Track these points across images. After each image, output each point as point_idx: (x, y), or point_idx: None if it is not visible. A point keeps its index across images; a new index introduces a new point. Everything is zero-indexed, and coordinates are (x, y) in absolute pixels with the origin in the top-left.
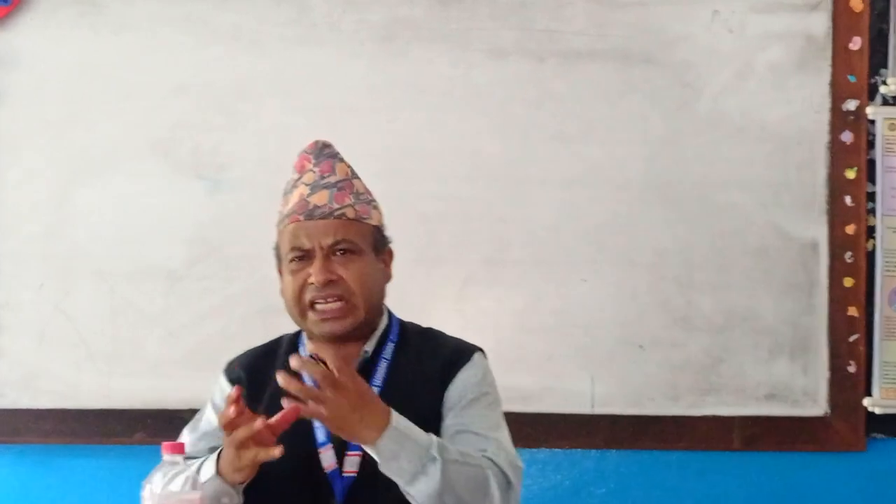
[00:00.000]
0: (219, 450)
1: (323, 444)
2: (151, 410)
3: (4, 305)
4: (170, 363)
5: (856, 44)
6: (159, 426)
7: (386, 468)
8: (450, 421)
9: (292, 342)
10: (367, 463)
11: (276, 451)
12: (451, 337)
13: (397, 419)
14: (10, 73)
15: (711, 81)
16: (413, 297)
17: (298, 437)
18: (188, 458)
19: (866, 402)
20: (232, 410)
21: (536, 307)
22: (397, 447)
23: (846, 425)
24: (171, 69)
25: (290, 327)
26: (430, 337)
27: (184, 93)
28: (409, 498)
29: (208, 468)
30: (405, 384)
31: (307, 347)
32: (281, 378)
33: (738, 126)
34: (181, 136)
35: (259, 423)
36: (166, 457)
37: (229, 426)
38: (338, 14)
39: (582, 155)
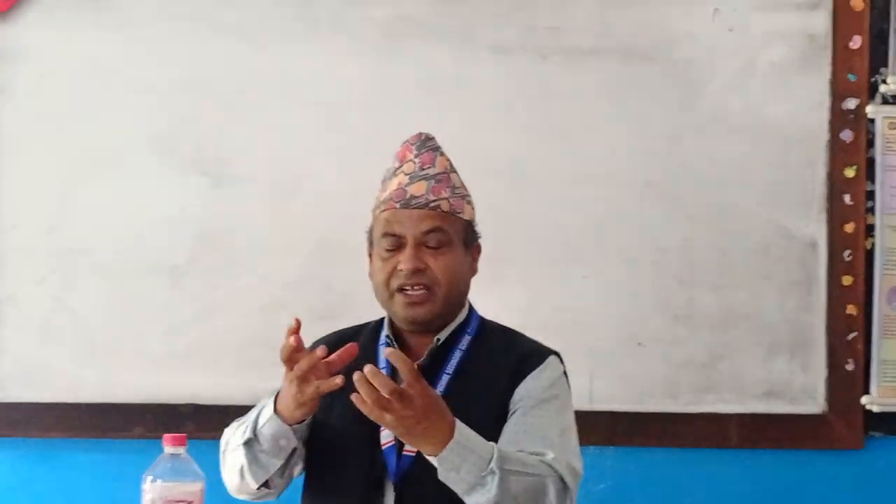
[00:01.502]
0: (276, 392)
1: None
2: (152, 405)
3: (6, 300)
4: (171, 358)
5: (856, 42)
6: (159, 420)
7: (445, 477)
8: (515, 420)
9: (375, 328)
10: None
11: (338, 380)
12: (530, 338)
13: (461, 432)
14: (14, 68)
15: (712, 79)
16: None
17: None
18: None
19: (864, 400)
20: (293, 339)
21: (537, 304)
22: (459, 460)
23: (844, 423)
24: (173, 65)
25: (291, 322)
26: (509, 335)
27: (187, 88)
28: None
29: (267, 411)
30: (475, 377)
31: (385, 333)
32: (356, 377)
33: (738, 124)
34: (184, 131)
35: (321, 350)
36: (168, 449)
37: (290, 360)
38: (341, 10)
39: (584, 152)
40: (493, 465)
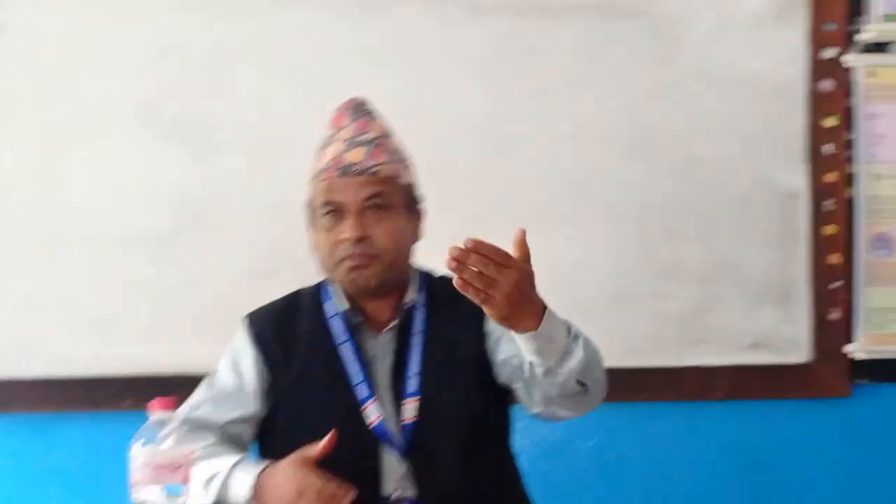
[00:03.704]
0: (262, 468)
1: (366, 399)
2: (141, 377)
3: None
4: (160, 328)
5: None
6: (149, 392)
7: (540, 350)
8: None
9: (313, 294)
10: (426, 405)
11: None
12: None
13: (543, 299)
14: None
15: (691, 33)
16: None
17: (341, 393)
18: (204, 423)
19: (849, 348)
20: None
21: None
22: (553, 329)
23: (830, 372)
24: (153, 34)
25: (282, 291)
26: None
27: (167, 58)
28: (548, 382)
29: (240, 490)
30: (444, 328)
31: (336, 300)
32: (458, 254)
33: (719, 77)
34: (166, 101)
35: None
36: (156, 414)
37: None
38: None
39: (565, 110)
40: (573, 328)
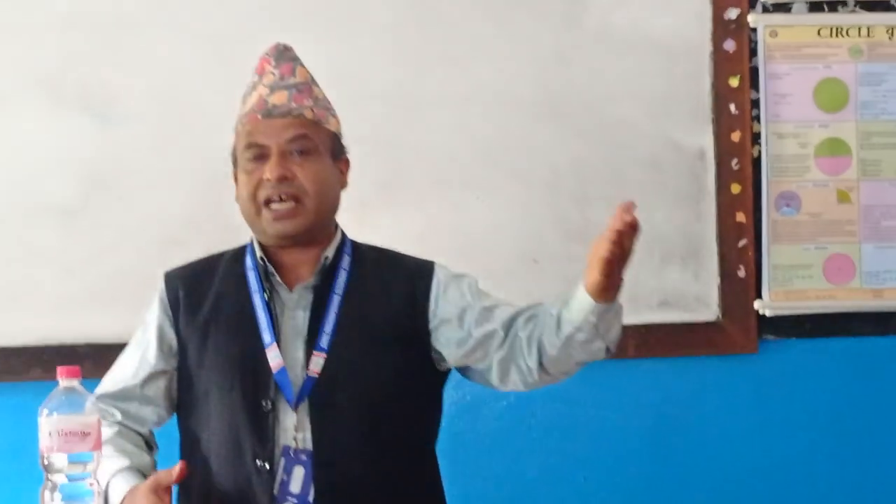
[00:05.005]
0: (124, 494)
1: (268, 344)
2: (48, 346)
3: None
4: (67, 299)
5: None
6: (57, 361)
7: (604, 320)
8: (477, 310)
9: (236, 256)
10: (332, 362)
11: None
12: (404, 254)
13: None
14: None
15: None
16: None
17: (245, 336)
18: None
19: (757, 305)
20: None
21: (434, 228)
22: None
23: (738, 328)
24: (54, 2)
25: (191, 259)
26: (384, 253)
27: (69, 25)
28: (582, 349)
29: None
30: (365, 298)
31: (258, 255)
32: (621, 225)
33: (624, 39)
34: (68, 70)
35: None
36: (62, 382)
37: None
38: None
39: (472, 74)
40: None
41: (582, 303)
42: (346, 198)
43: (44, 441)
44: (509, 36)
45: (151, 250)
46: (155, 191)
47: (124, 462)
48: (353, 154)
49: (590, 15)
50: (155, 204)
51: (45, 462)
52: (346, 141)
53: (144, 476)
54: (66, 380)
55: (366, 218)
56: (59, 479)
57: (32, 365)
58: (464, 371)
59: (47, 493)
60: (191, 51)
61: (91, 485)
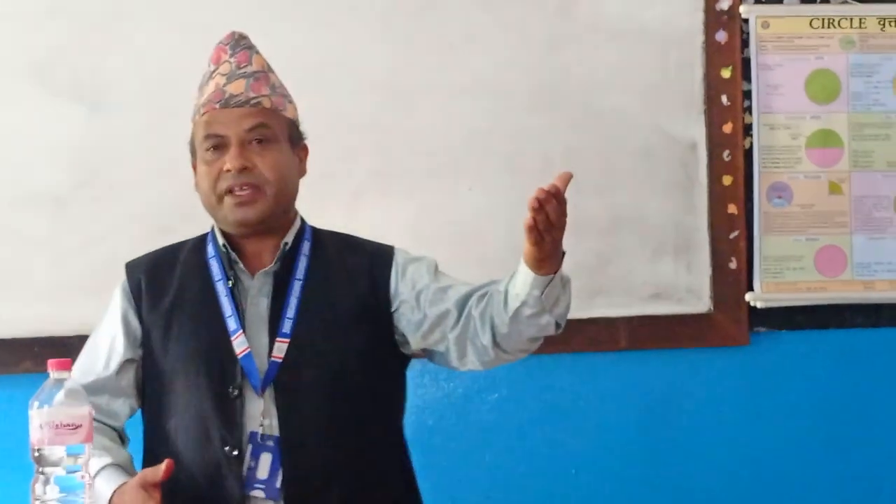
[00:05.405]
0: (114, 489)
1: (234, 331)
2: (39, 338)
3: None
4: (58, 289)
5: None
6: (47, 354)
7: (552, 296)
8: (432, 290)
9: (197, 245)
10: (295, 348)
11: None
12: (364, 238)
13: None
14: None
15: None
16: (301, 213)
17: (210, 324)
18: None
19: (748, 296)
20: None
21: (426, 217)
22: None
23: (729, 320)
24: None
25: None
26: (344, 238)
27: (59, 14)
28: (529, 323)
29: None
30: (326, 281)
31: (221, 242)
32: (539, 202)
33: (616, 29)
34: (59, 59)
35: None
36: (53, 374)
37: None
38: None
39: (465, 63)
40: (565, 274)
41: (525, 276)
42: (339, 186)
43: (35, 434)
44: (502, 25)
45: (141, 240)
46: (146, 180)
47: (106, 459)
48: (344, 142)
49: (582, 4)
50: (146, 193)
51: (37, 455)
52: (304, 127)
53: (127, 472)
54: (56, 372)
55: (357, 207)
56: (51, 471)
57: (23, 357)
58: (430, 356)
59: (38, 486)
60: (182, 39)
61: (82, 477)
